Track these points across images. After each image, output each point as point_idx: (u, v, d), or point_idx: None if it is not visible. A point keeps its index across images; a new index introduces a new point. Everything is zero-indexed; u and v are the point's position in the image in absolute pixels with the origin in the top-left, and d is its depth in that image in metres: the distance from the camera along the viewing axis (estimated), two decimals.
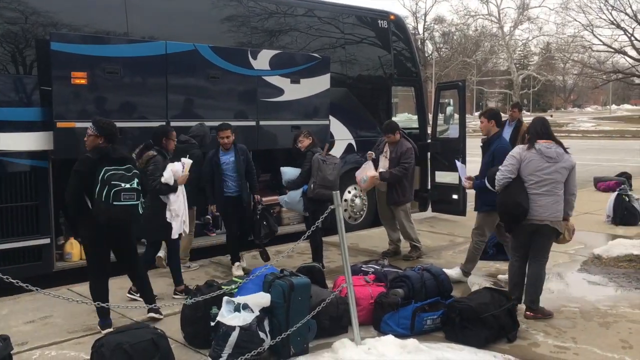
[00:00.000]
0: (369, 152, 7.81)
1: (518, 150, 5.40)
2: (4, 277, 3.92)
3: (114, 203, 4.76)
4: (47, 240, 6.61)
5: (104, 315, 5.12)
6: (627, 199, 9.62)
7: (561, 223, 5.42)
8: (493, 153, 6.21)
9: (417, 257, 7.61)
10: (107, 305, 4.86)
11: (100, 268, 5.14)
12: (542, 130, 5.39)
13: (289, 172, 7.32)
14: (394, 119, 9.80)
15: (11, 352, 4.08)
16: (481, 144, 6.71)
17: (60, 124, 6.46)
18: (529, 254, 5.50)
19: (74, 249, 6.97)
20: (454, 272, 6.47)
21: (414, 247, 7.75)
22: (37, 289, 4.07)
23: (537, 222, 5.33)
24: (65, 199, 5.13)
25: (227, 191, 6.90)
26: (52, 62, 6.40)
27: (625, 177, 13.31)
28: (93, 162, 4.89)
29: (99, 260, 5.13)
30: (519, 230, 5.45)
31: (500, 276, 6.66)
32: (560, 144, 5.37)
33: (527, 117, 9.98)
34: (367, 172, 7.58)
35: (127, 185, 4.81)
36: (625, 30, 38.88)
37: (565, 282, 6.76)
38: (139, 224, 5.32)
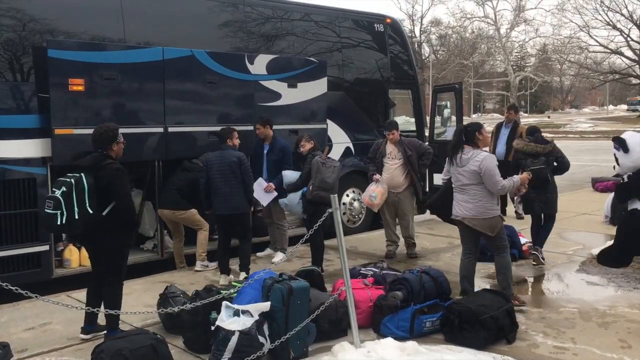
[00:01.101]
0: (374, 175, 7.76)
1: None
2: (3, 284, 3.92)
3: (43, 210, 4.71)
4: (46, 247, 6.61)
5: (87, 317, 5.14)
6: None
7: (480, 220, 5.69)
8: None
9: (416, 255, 7.85)
10: (98, 310, 4.84)
11: (92, 272, 5.19)
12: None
13: (290, 175, 7.37)
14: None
15: (11, 359, 4.08)
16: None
17: (58, 131, 6.47)
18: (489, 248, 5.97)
19: (73, 256, 6.98)
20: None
21: (413, 244, 7.93)
22: (36, 296, 4.07)
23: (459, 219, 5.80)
24: None
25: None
26: (49, 69, 6.42)
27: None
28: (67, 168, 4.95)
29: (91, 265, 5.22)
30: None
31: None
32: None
33: (525, 119, 9.99)
34: (374, 189, 7.62)
35: (53, 192, 4.64)
36: (621, 31, 39.00)
37: (564, 282, 6.78)
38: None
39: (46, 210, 4.61)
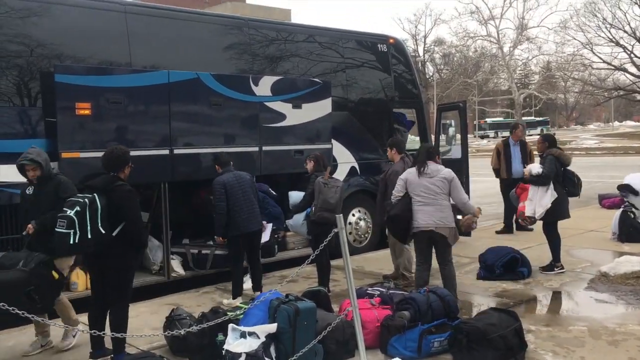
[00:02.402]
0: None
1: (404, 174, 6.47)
2: (10, 308, 3.93)
3: (55, 229, 4.72)
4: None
5: (93, 343, 5.11)
6: (633, 216, 9.58)
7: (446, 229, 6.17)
8: None
9: (404, 286, 7.08)
10: (104, 334, 4.84)
11: (92, 297, 5.20)
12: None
13: (295, 196, 7.40)
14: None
15: None
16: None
17: (65, 154, 6.52)
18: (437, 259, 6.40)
19: (80, 279, 6.98)
20: None
21: (402, 275, 7.51)
22: (43, 320, 4.08)
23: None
24: None
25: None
26: (56, 93, 6.49)
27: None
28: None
29: (91, 287, 5.23)
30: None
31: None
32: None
33: (530, 137, 10.02)
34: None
35: (65, 213, 4.65)
36: (624, 48, 39.10)
37: (573, 300, 6.72)
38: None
39: (58, 229, 4.64)
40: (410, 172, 6.42)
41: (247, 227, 6.77)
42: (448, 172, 6.27)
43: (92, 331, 4.76)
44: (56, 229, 4.67)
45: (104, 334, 4.83)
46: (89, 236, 4.64)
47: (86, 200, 4.69)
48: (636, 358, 4.91)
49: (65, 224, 4.60)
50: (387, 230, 7.59)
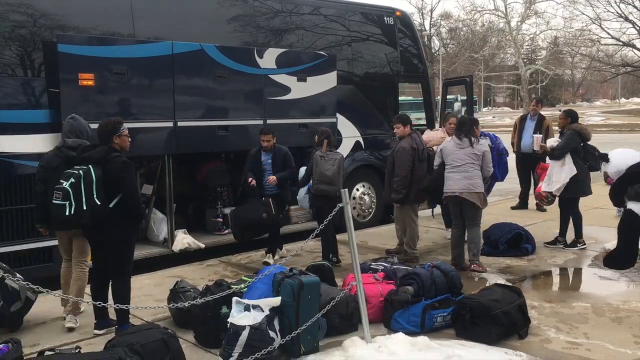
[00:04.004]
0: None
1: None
2: (14, 278, 3.93)
3: (51, 201, 4.75)
4: (56, 242, 6.62)
5: (97, 314, 5.16)
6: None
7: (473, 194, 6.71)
8: None
9: (404, 261, 6.97)
10: (109, 305, 4.84)
11: (94, 269, 5.23)
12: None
13: (301, 171, 7.40)
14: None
15: (22, 354, 4.10)
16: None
17: None
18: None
19: None
20: None
21: (405, 251, 7.45)
22: (47, 291, 4.09)
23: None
24: None
25: (268, 189, 7.22)
26: (59, 64, 6.43)
27: None
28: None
29: (92, 260, 5.27)
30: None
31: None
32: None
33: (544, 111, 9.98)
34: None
35: (62, 184, 4.66)
36: (633, 23, 38.57)
37: (577, 277, 6.73)
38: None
39: (55, 201, 4.66)
40: (448, 141, 7.03)
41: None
42: (483, 146, 6.86)
43: (97, 302, 4.79)
44: (53, 201, 4.70)
45: (108, 305, 4.85)
46: (84, 207, 4.64)
47: (80, 172, 4.68)
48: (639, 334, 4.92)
49: (61, 196, 4.62)
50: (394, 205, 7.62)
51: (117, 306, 4.70)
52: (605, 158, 6.23)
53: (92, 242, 5.13)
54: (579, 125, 7.75)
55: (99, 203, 4.70)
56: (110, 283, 5.12)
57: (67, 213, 4.61)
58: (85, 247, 5.40)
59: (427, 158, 7.24)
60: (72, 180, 4.65)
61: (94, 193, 4.68)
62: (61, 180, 4.69)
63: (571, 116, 7.85)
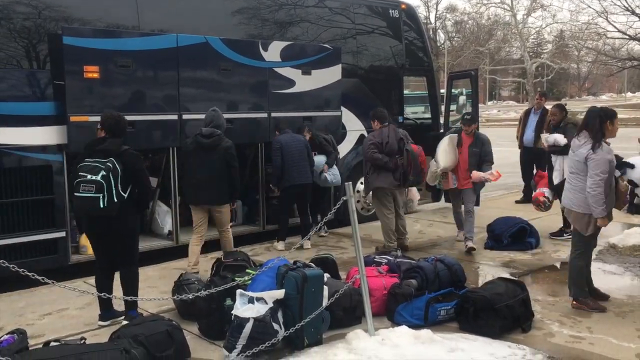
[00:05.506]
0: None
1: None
2: (21, 270, 3.96)
3: (75, 194, 4.81)
4: (62, 234, 6.67)
5: (102, 305, 5.20)
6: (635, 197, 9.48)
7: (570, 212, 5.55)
8: None
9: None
10: (114, 296, 4.91)
11: (96, 261, 5.28)
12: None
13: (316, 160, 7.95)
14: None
15: (27, 345, 4.13)
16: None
17: (73, 118, 6.50)
18: None
19: (89, 242, 7.01)
20: None
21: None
22: (53, 282, 4.11)
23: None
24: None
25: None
26: (64, 56, 6.43)
27: None
28: (82, 154, 4.99)
29: (95, 253, 5.29)
30: None
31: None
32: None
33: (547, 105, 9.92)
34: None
35: (89, 177, 4.74)
36: None
37: None
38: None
39: (86, 194, 4.72)
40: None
41: (295, 179, 7.61)
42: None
43: (103, 294, 4.82)
44: (81, 194, 4.75)
45: (114, 296, 4.89)
46: (115, 200, 4.77)
47: (109, 164, 4.78)
48: None
49: (95, 188, 4.70)
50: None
51: (123, 297, 4.78)
52: (629, 165, 6.05)
53: (102, 233, 5.11)
54: (574, 118, 7.91)
55: (124, 195, 4.84)
56: (119, 273, 5.18)
57: (101, 205, 4.72)
58: None
59: (394, 152, 7.27)
60: (103, 172, 4.74)
61: (119, 185, 4.81)
62: (83, 174, 4.76)
63: (565, 110, 8.04)
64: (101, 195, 4.71)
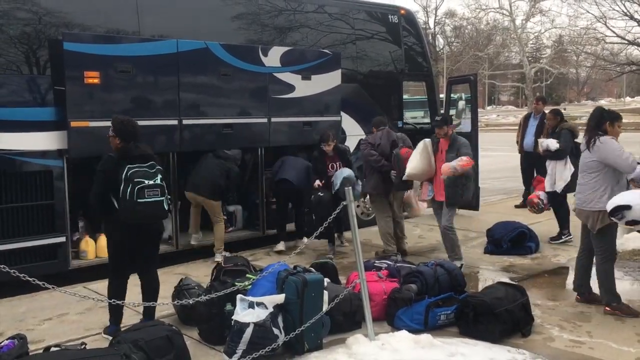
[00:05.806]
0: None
1: None
2: (21, 275, 3.96)
3: (139, 200, 4.65)
4: (62, 239, 6.67)
5: (115, 316, 5.07)
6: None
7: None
8: None
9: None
10: (122, 303, 4.86)
11: (121, 269, 5.03)
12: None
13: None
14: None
15: (28, 350, 4.13)
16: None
17: (74, 123, 6.51)
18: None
19: (89, 247, 7.03)
20: None
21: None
22: (53, 287, 4.12)
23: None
24: (90, 200, 4.97)
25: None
26: (64, 62, 6.45)
27: None
28: (115, 161, 4.81)
29: (121, 262, 5.02)
30: None
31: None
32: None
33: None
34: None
35: (151, 182, 4.71)
36: (638, 22, 38.38)
37: None
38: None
39: (153, 198, 4.71)
40: None
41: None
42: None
43: (112, 301, 4.77)
44: (147, 199, 4.67)
45: (123, 303, 4.86)
46: (168, 202, 4.89)
47: (159, 167, 4.88)
48: None
49: (159, 192, 4.76)
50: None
51: (140, 304, 4.90)
52: (626, 207, 5.64)
53: (149, 238, 5.04)
54: (569, 123, 8.03)
55: (170, 197, 4.97)
56: (145, 280, 5.14)
57: (166, 207, 4.82)
58: None
59: (385, 154, 7.30)
60: (160, 176, 4.83)
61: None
62: (140, 180, 4.67)
63: (560, 115, 8.12)
64: (164, 198, 4.80)
